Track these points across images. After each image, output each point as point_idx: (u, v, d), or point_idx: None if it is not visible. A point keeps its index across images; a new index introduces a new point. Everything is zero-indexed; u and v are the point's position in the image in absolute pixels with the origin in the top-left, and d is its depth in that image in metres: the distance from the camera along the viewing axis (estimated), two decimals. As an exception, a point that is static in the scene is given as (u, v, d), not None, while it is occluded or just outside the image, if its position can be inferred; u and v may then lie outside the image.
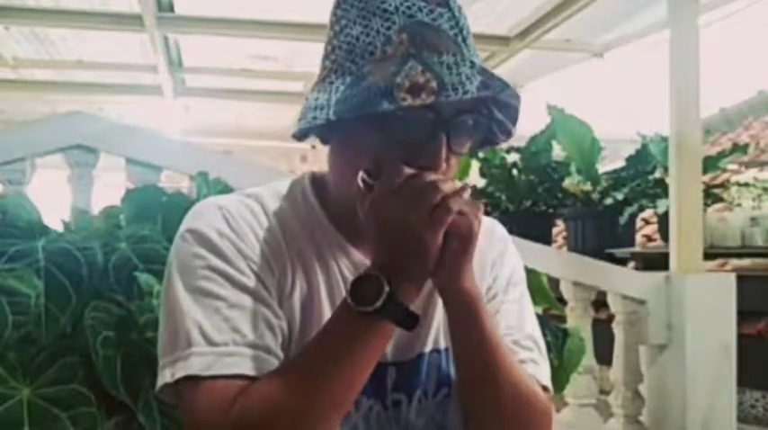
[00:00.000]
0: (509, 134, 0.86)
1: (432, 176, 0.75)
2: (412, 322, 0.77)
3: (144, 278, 1.35)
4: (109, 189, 2.22)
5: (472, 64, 0.77)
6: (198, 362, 0.76)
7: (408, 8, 0.78)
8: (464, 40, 0.80)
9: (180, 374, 0.76)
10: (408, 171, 0.75)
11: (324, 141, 0.84)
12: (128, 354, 1.26)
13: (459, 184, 0.76)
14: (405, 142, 0.77)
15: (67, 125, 2.10)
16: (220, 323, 0.77)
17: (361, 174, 0.77)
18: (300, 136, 0.82)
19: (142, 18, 4.01)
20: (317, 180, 0.90)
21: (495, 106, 0.83)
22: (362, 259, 0.86)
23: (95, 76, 5.58)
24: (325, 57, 0.83)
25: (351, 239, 0.87)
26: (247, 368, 0.76)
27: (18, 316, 1.24)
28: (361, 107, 0.73)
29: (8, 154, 2.03)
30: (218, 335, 0.77)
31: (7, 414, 1.19)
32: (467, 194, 0.75)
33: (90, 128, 2.09)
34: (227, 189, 1.74)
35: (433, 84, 0.73)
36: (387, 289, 0.74)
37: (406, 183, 0.74)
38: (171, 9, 4.20)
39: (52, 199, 1.97)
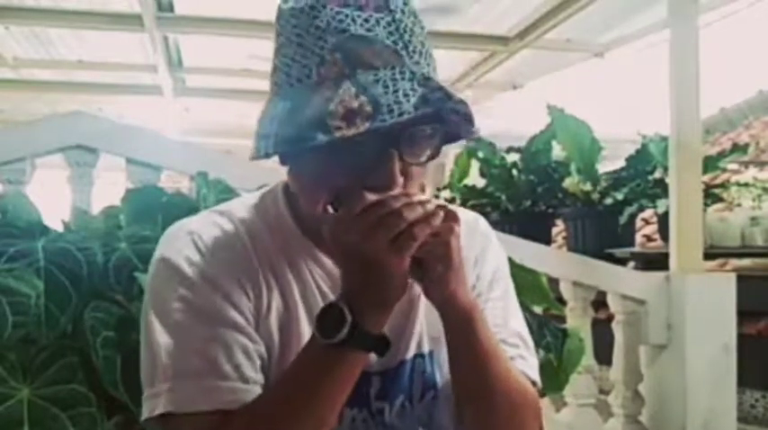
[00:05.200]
0: (472, 132, 0.80)
1: (397, 203, 0.70)
2: (382, 348, 0.76)
3: (144, 278, 1.35)
4: (109, 189, 2.21)
5: (412, 74, 0.72)
6: (174, 399, 0.76)
7: (341, 21, 0.73)
8: (405, 46, 0.74)
9: (158, 411, 0.76)
10: (371, 198, 0.72)
11: (282, 163, 0.82)
12: (128, 354, 1.26)
13: (431, 207, 0.72)
14: (356, 164, 0.74)
15: (67, 125, 2.10)
16: (195, 357, 0.77)
17: (329, 210, 0.76)
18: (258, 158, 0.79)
19: (142, 18, 4.01)
20: (289, 188, 0.87)
21: (448, 111, 0.76)
22: (337, 269, 0.84)
23: (95, 76, 5.58)
24: (271, 76, 0.80)
25: (323, 249, 0.85)
26: (224, 402, 0.76)
27: (18, 316, 1.23)
28: (296, 141, 0.71)
29: (8, 154, 2.03)
30: (193, 370, 0.77)
31: (7, 414, 1.19)
32: (439, 219, 0.72)
33: (90, 128, 2.09)
34: (227, 189, 1.74)
35: (368, 108, 0.69)
36: (349, 319, 0.72)
37: (368, 212, 0.71)
38: (171, 9, 4.20)
39: (52, 199, 1.97)
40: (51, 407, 1.22)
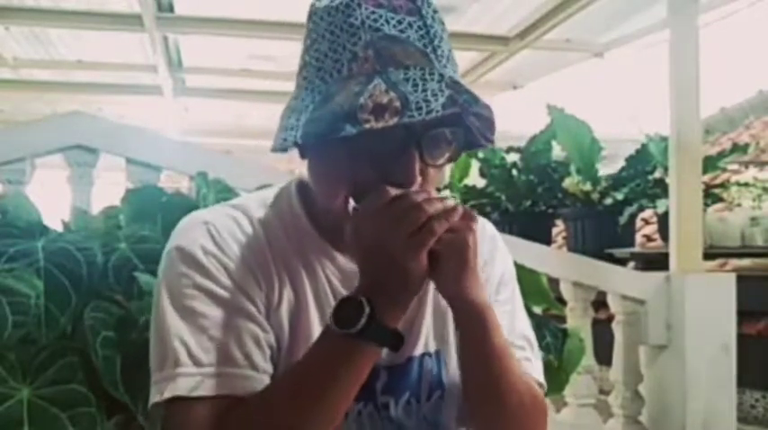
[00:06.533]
0: (490, 141, 0.83)
1: (418, 197, 0.73)
2: (396, 343, 0.77)
3: (144, 278, 1.35)
4: (109, 189, 2.21)
5: (441, 77, 0.75)
6: (184, 384, 0.77)
7: (375, 21, 0.76)
8: (435, 50, 0.77)
9: (167, 395, 0.77)
10: (393, 192, 0.74)
11: (302, 156, 0.84)
12: (127, 354, 1.26)
13: (450, 203, 0.74)
14: (377, 160, 0.76)
15: (67, 125, 2.10)
16: (206, 343, 0.78)
17: (351, 203, 0.77)
18: (280, 150, 0.81)
19: (142, 18, 4.01)
20: (303, 186, 0.89)
21: (471, 116, 0.79)
22: (349, 265, 0.86)
23: (95, 76, 5.58)
24: (299, 72, 0.82)
25: (336, 245, 0.86)
26: (233, 388, 0.77)
27: (18, 316, 1.23)
28: (325, 131, 0.73)
29: (8, 154, 2.03)
30: (204, 356, 0.78)
31: (7, 414, 1.19)
32: (457, 215, 0.74)
33: (90, 128, 2.09)
34: (226, 189, 1.74)
35: (397, 103, 0.71)
36: (367, 310, 0.73)
37: (390, 205, 0.73)
38: (171, 9, 4.20)
39: (52, 199, 1.97)
40: (51, 408, 1.22)
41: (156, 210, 1.57)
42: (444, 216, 0.73)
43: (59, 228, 1.53)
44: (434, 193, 0.77)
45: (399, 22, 0.76)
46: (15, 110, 6.43)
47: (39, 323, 1.27)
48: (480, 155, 4.45)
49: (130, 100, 6.10)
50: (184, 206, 1.52)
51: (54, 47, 4.87)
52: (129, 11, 4.07)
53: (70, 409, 1.23)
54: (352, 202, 0.77)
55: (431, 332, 0.92)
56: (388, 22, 0.76)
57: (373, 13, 0.76)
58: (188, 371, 0.77)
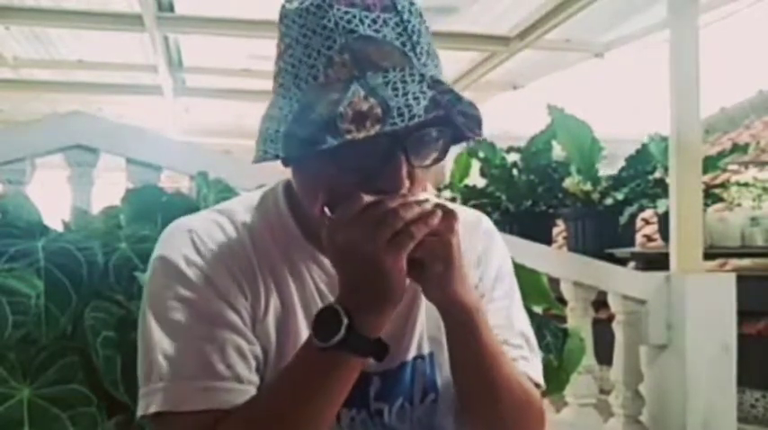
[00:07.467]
0: (478, 134, 0.77)
1: (394, 203, 0.70)
2: (380, 352, 0.75)
3: (144, 278, 1.35)
4: (109, 189, 2.21)
5: (422, 77, 0.71)
6: (167, 398, 0.76)
7: (349, 21, 0.72)
8: (413, 47, 0.74)
9: (152, 410, 0.77)
10: (368, 199, 0.71)
11: (285, 164, 0.81)
12: (128, 354, 1.26)
13: (428, 207, 0.71)
14: (361, 167, 0.73)
15: (67, 125, 2.10)
16: (190, 356, 0.77)
17: (326, 210, 0.75)
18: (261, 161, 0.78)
19: (142, 18, 4.01)
20: (290, 188, 0.86)
21: (457, 114, 0.74)
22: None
23: (95, 76, 5.58)
24: (274, 78, 0.79)
25: (323, 249, 0.83)
26: (218, 402, 0.76)
27: (18, 316, 1.23)
28: (305, 144, 0.70)
29: (8, 154, 2.03)
30: (187, 370, 0.77)
31: (7, 414, 1.19)
32: (437, 218, 0.71)
33: (90, 128, 2.10)
34: (227, 189, 1.74)
35: (378, 110, 0.68)
36: (345, 321, 0.71)
37: (365, 212, 0.70)
38: (171, 9, 4.20)
39: (52, 199, 1.97)
40: (52, 408, 1.22)
41: (156, 210, 1.57)
42: (423, 220, 0.70)
43: (59, 228, 1.53)
44: (412, 198, 0.74)
45: (374, 21, 0.73)
46: (15, 110, 6.43)
47: (39, 323, 1.27)
48: (481, 155, 4.45)
49: (130, 100, 6.10)
50: (184, 206, 1.52)
51: (54, 47, 4.87)
52: (130, 11, 4.07)
53: (71, 409, 1.23)
54: (327, 212, 0.75)
55: (424, 334, 0.90)
56: (362, 21, 0.72)
57: (346, 13, 0.73)
58: (172, 386, 0.77)
